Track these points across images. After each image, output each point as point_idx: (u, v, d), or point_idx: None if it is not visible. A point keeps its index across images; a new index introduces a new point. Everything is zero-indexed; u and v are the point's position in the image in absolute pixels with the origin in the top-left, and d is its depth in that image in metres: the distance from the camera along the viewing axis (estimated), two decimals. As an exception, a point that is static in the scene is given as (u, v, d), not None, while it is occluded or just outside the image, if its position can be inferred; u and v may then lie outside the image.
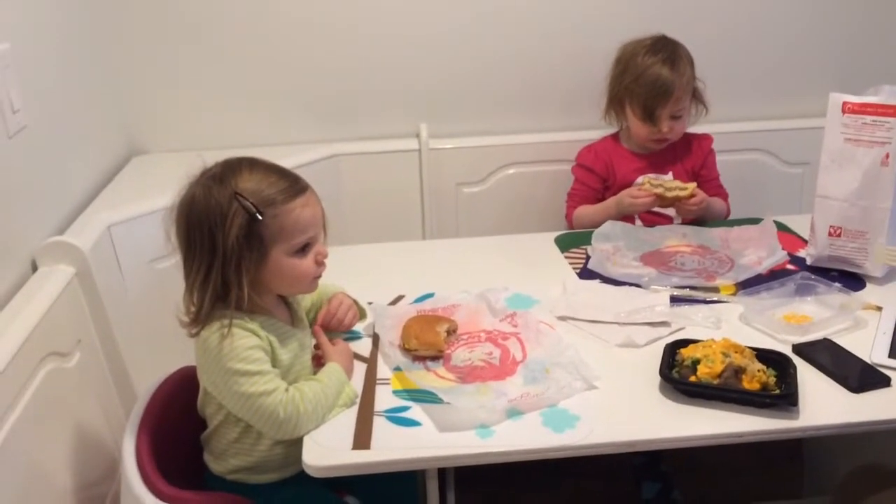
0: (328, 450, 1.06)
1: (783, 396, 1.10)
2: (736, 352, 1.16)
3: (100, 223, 1.52)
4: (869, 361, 1.20)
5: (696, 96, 1.83)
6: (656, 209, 1.78)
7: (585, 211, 1.87)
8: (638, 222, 1.81)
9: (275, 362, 1.14)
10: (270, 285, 1.16)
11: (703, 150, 1.89)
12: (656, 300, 1.40)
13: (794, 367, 1.16)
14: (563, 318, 1.36)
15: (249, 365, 1.09)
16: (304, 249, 1.15)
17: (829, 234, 1.47)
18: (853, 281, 1.46)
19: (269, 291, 1.17)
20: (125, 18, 1.92)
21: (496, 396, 1.13)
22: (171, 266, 1.19)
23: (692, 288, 1.45)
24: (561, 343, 1.26)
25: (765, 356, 1.18)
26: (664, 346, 1.22)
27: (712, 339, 1.20)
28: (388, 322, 1.33)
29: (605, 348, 1.28)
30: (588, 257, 1.60)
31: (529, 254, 1.65)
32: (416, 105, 2.08)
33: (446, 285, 1.48)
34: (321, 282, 1.22)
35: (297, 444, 1.09)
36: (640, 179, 1.81)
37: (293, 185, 1.13)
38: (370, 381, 1.21)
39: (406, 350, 1.26)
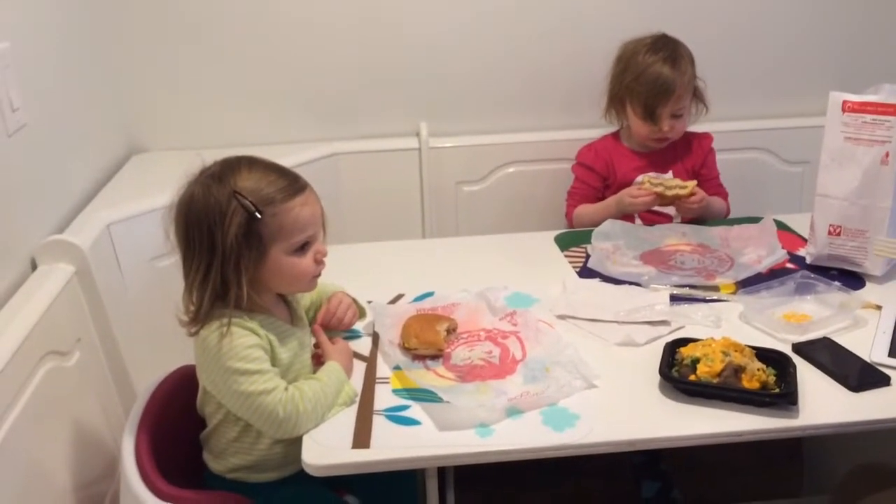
0: (328, 449, 1.06)
1: (783, 395, 1.10)
2: (736, 351, 1.16)
3: (99, 222, 1.52)
4: (868, 360, 1.20)
5: (697, 95, 1.83)
6: (656, 208, 1.78)
7: (585, 210, 1.87)
8: (638, 221, 1.81)
9: (274, 361, 1.14)
10: (270, 284, 1.16)
11: (704, 149, 1.89)
12: (656, 299, 1.40)
13: (794, 366, 1.16)
14: (562, 317, 1.36)
15: (249, 364, 1.09)
16: (303, 248, 1.14)
17: (829, 233, 1.47)
18: (853, 280, 1.46)
19: (268, 290, 1.17)
20: (125, 17, 1.92)
21: (496, 395, 1.13)
22: (171, 265, 1.19)
23: (692, 287, 1.45)
24: (560, 342, 1.26)
25: (764, 355, 1.18)
26: (664, 344, 1.22)
27: (712, 338, 1.20)
28: (388, 321, 1.33)
29: (605, 347, 1.28)
30: (588, 256, 1.60)
31: (529, 252, 1.65)
32: (416, 104, 2.08)
33: (446, 284, 1.48)
34: (321, 281, 1.22)
35: (296, 443, 1.09)
36: (639, 178, 1.81)
37: (292, 183, 1.13)
38: (370, 379, 1.21)
39: (406, 349, 1.26)
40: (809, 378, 1.16)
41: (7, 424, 1.09)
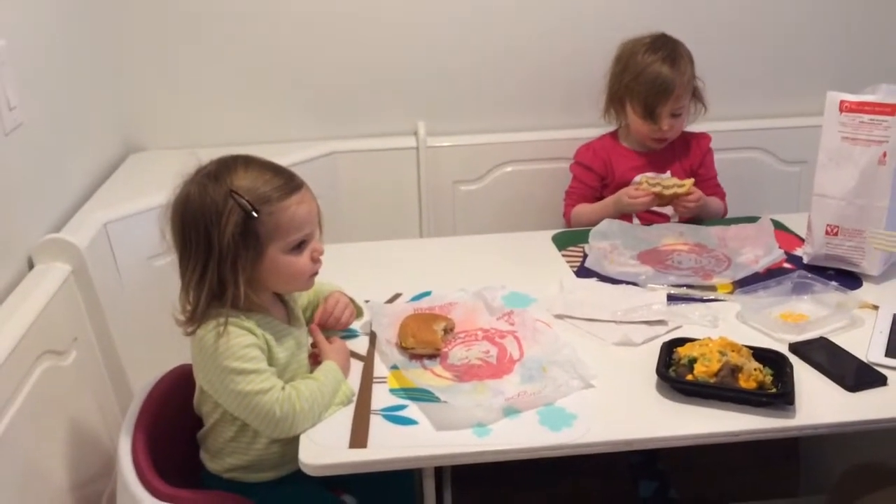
0: (325, 448, 1.06)
1: (780, 395, 1.10)
2: (733, 350, 1.16)
3: (96, 220, 1.52)
4: (865, 360, 1.20)
5: (696, 95, 1.84)
6: (654, 208, 1.78)
7: (583, 209, 1.87)
8: (635, 221, 1.81)
9: (271, 360, 1.14)
10: (267, 283, 1.16)
11: (702, 149, 1.89)
12: (653, 298, 1.40)
13: (791, 366, 1.16)
14: (560, 317, 1.36)
15: (245, 363, 1.08)
16: (300, 247, 1.14)
17: (826, 233, 1.47)
18: (850, 280, 1.46)
19: (265, 289, 1.17)
20: (122, 16, 1.92)
21: (493, 395, 1.13)
22: (168, 264, 1.18)
23: (689, 286, 1.45)
24: (558, 341, 1.26)
25: (761, 355, 1.18)
26: (661, 344, 1.22)
27: (709, 338, 1.21)
28: (385, 320, 1.32)
29: (602, 347, 1.28)
30: (585, 255, 1.60)
31: (527, 252, 1.65)
32: (414, 103, 2.08)
33: (443, 283, 1.47)
34: (318, 280, 1.22)
35: (293, 442, 1.09)
36: (637, 178, 1.81)
37: (288, 182, 1.13)
38: (367, 379, 1.21)
39: (403, 348, 1.26)
40: (806, 378, 1.16)
41: (3, 424, 1.09)
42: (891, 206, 1.41)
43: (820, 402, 1.11)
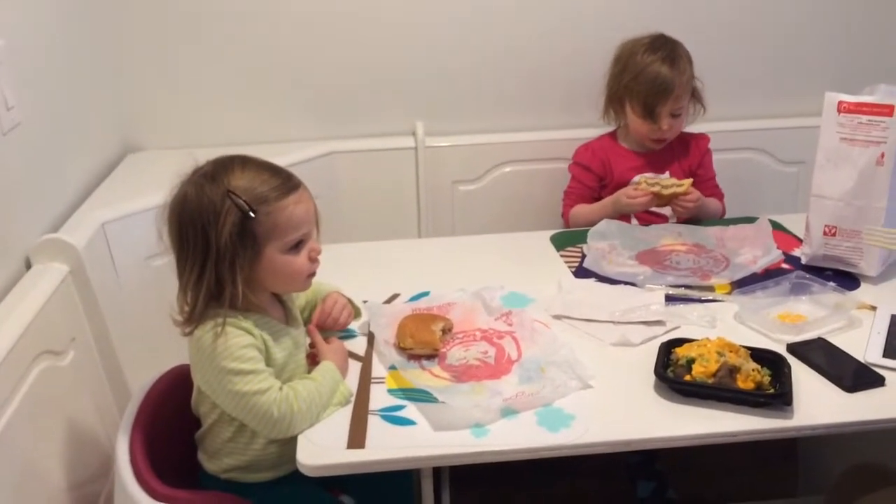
0: (323, 449, 1.06)
1: (777, 396, 1.10)
2: (731, 351, 1.16)
3: (94, 221, 1.52)
4: (863, 361, 1.20)
5: (695, 95, 1.84)
6: (652, 209, 1.78)
7: (582, 210, 1.87)
8: (634, 221, 1.81)
9: (269, 360, 1.14)
10: (265, 283, 1.16)
11: (700, 150, 1.89)
12: (651, 299, 1.40)
13: (789, 367, 1.16)
14: (558, 317, 1.36)
15: (243, 364, 1.08)
16: (297, 246, 1.14)
17: (824, 234, 1.47)
18: (848, 280, 1.46)
19: (263, 289, 1.17)
20: (122, 15, 1.91)
21: (491, 395, 1.13)
22: (166, 264, 1.18)
23: (687, 287, 1.45)
24: (556, 342, 1.26)
25: (759, 355, 1.18)
26: (659, 345, 1.22)
27: (707, 339, 1.20)
28: (384, 320, 1.32)
29: (601, 347, 1.28)
30: (583, 256, 1.60)
31: (525, 252, 1.65)
32: (413, 103, 2.08)
33: (442, 284, 1.47)
34: (315, 280, 1.21)
35: (291, 443, 1.09)
36: (636, 178, 1.81)
37: (285, 182, 1.13)
38: (365, 379, 1.21)
39: (401, 349, 1.26)
40: (804, 378, 1.16)
41: (1, 424, 1.09)
42: (889, 206, 1.41)
43: (818, 403, 1.11)
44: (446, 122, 2.09)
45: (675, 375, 1.15)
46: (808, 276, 1.44)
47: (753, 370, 1.13)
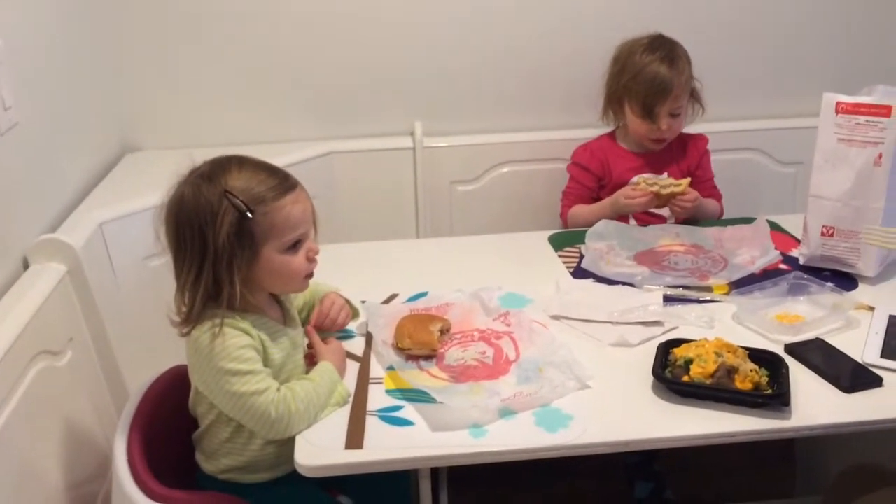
0: (320, 449, 1.06)
1: (775, 396, 1.10)
2: (728, 351, 1.16)
3: (92, 221, 1.52)
4: (861, 361, 1.20)
5: (694, 96, 1.84)
6: (651, 209, 1.78)
7: (580, 210, 1.87)
8: (632, 221, 1.81)
9: (266, 361, 1.13)
10: (263, 283, 1.16)
11: (699, 151, 1.89)
12: (649, 299, 1.40)
13: (787, 367, 1.16)
14: (556, 318, 1.36)
15: (241, 364, 1.08)
16: (295, 246, 1.14)
17: (822, 234, 1.48)
18: (846, 281, 1.46)
19: (261, 290, 1.17)
20: (122, 15, 1.91)
21: (489, 396, 1.13)
22: (164, 264, 1.18)
23: (685, 287, 1.45)
24: (554, 342, 1.26)
25: (757, 356, 1.18)
26: (657, 345, 1.22)
27: (705, 339, 1.21)
28: (382, 321, 1.32)
29: (599, 348, 1.28)
30: (582, 256, 1.60)
31: (523, 252, 1.65)
32: (411, 103, 2.08)
33: (440, 284, 1.47)
34: (313, 281, 1.21)
35: (289, 443, 1.09)
36: (635, 179, 1.81)
37: (283, 182, 1.13)
38: (363, 380, 1.21)
39: (399, 349, 1.26)
40: (802, 379, 1.16)
41: (-1, 424, 1.09)
42: (886, 206, 1.41)
43: (816, 404, 1.11)
44: (445, 122, 2.09)
45: (673, 376, 1.15)
46: (805, 276, 1.44)
47: (751, 371, 1.13)
